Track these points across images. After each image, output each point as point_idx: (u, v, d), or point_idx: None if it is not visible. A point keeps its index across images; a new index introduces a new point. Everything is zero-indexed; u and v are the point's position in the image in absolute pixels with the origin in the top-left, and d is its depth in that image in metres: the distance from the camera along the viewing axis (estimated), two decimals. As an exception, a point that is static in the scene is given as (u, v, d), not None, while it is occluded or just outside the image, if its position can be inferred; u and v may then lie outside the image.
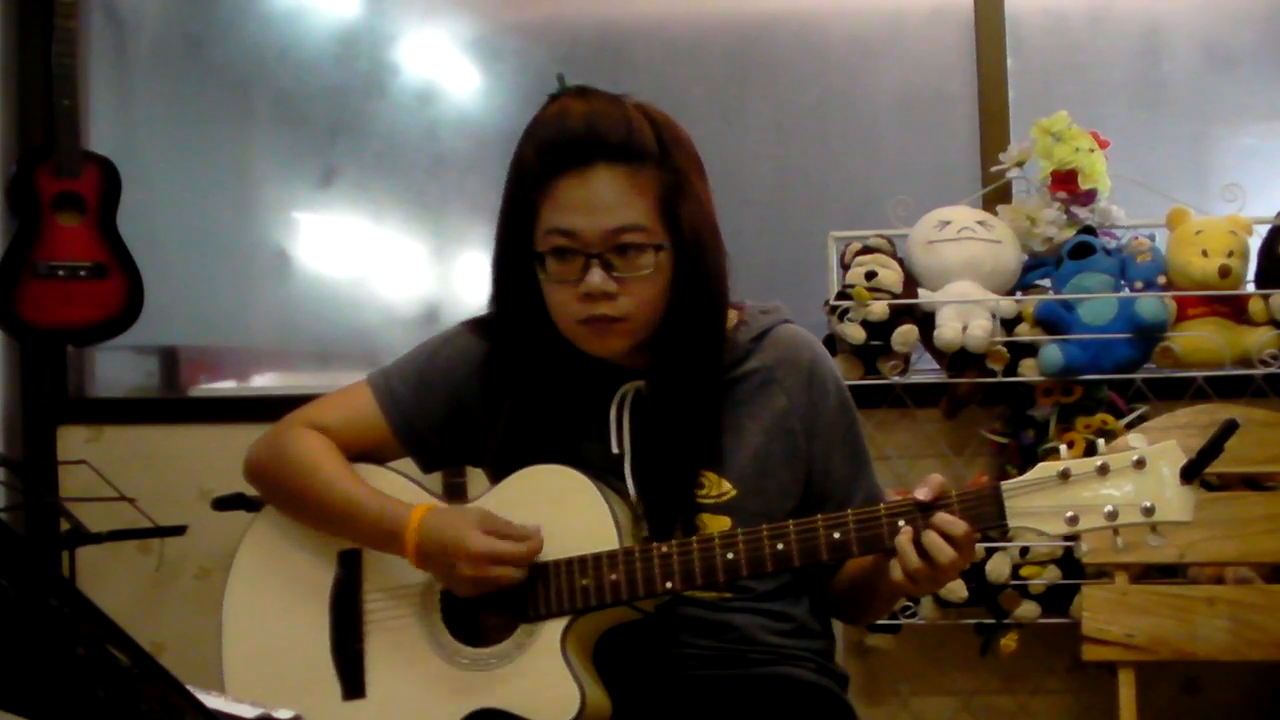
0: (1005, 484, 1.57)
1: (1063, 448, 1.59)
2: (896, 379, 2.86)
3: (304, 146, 3.49)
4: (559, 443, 1.73)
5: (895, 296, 2.81)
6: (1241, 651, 2.44)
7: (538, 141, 1.65)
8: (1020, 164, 2.93)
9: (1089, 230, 2.86)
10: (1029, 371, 2.83)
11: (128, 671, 0.96)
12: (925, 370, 2.97)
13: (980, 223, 2.88)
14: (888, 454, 2.97)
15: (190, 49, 3.49)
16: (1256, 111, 3.28)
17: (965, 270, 2.84)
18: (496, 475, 1.76)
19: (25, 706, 0.98)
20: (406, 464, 1.84)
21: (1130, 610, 2.44)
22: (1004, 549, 2.79)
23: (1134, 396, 2.83)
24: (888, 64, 3.33)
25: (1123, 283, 2.82)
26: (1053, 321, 2.80)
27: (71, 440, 3.28)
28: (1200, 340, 2.77)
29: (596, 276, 1.63)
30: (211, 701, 1.02)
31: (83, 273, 3.14)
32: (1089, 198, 2.86)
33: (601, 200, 1.62)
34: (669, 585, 1.63)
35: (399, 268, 3.47)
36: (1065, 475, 1.55)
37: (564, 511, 1.67)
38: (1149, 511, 1.53)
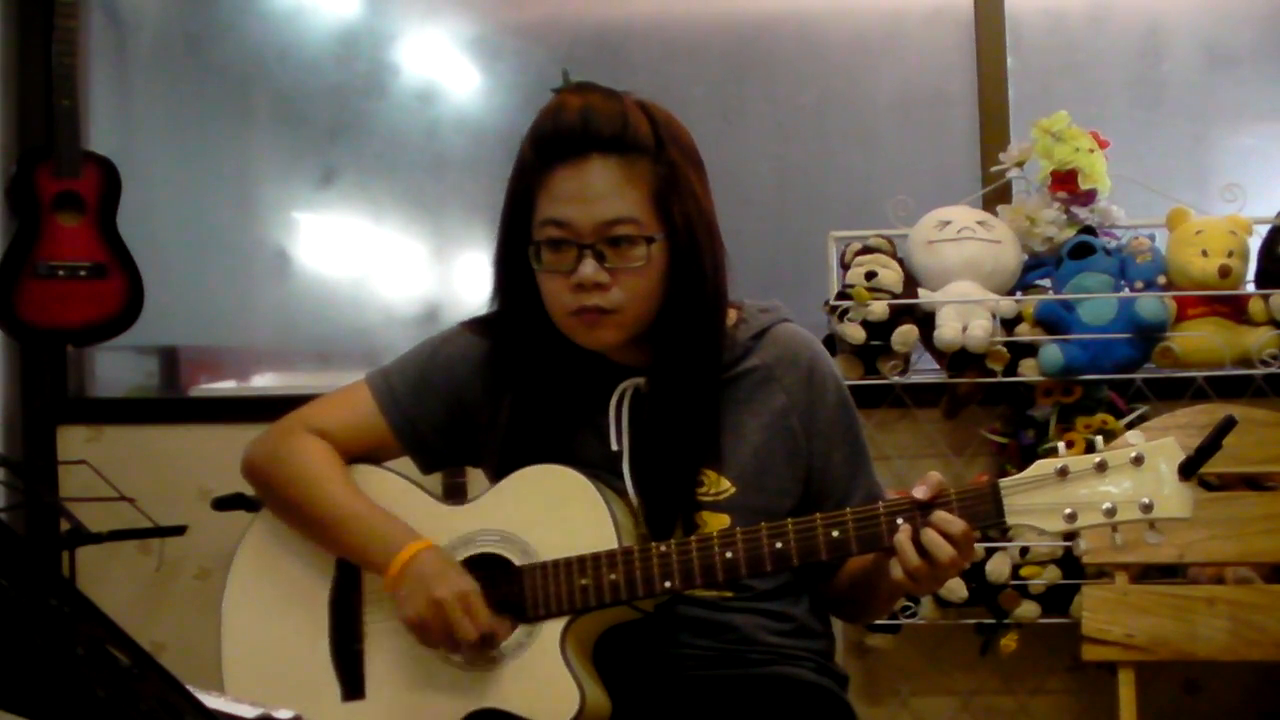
0: (1003, 482, 1.58)
1: (1061, 446, 1.59)
2: (896, 379, 2.86)
3: (304, 146, 3.49)
4: (558, 439, 1.73)
5: (895, 296, 2.81)
6: (1241, 651, 2.44)
7: (535, 134, 1.67)
8: (1020, 164, 2.93)
9: (1089, 230, 2.86)
10: (1029, 371, 2.83)
11: (128, 671, 0.96)
12: (925, 370, 2.97)
13: (980, 223, 2.89)
14: (888, 454, 2.97)
15: (190, 49, 3.49)
16: (1256, 111, 3.28)
17: (965, 270, 2.84)
18: (496, 475, 1.76)
19: (25, 706, 0.98)
20: (406, 464, 1.84)
21: (1130, 610, 2.44)
22: (1004, 549, 2.79)
23: (1134, 396, 2.83)
24: (887, 64, 3.33)
25: (1123, 283, 2.82)
26: (1053, 321, 2.80)
27: (71, 440, 3.28)
28: (1200, 340, 2.77)
29: (589, 267, 1.63)
30: (211, 701, 1.02)
31: (83, 273, 3.14)
32: (1089, 198, 2.86)
33: (594, 191, 1.63)
34: (668, 585, 1.63)
35: (399, 268, 3.47)
36: (1063, 472, 1.55)
37: (563, 511, 1.67)
38: (1147, 508, 1.53)
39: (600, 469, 1.71)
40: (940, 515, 1.57)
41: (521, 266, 1.69)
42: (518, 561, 1.68)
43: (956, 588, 2.79)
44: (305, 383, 3.32)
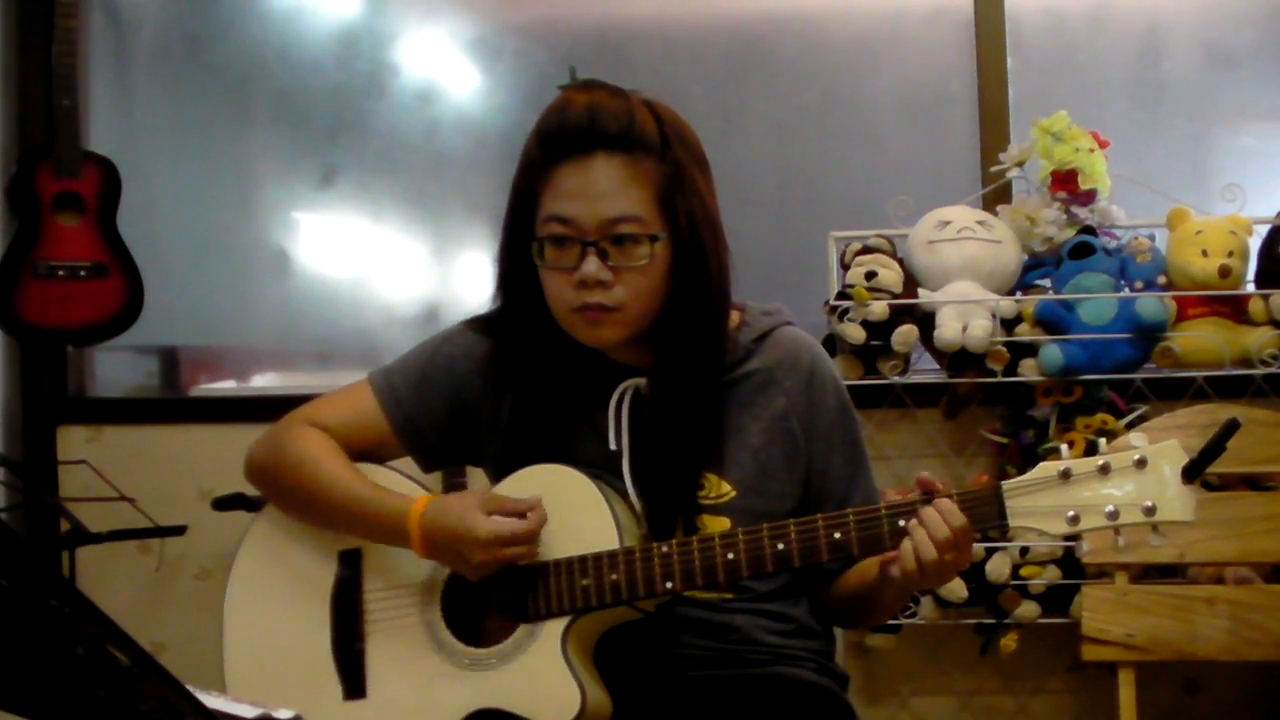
0: (1006, 484, 1.57)
1: (1063, 447, 1.59)
2: (896, 379, 2.86)
3: (304, 146, 3.49)
4: (558, 437, 1.73)
5: (895, 296, 2.81)
6: (1241, 651, 2.44)
7: (541, 130, 1.67)
8: (1020, 164, 2.93)
9: (1089, 230, 2.86)
10: (1029, 371, 2.83)
11: (128, 671, 0.96)
12: (925, 370, 2.97)
13: (980, 223, 2.88)
14: (888, 454, 2.97)
15: (190, 49, 3.49)
16: (1256, 111, 3.28)
17: (965, 270, 2.84)
18: (497, 474, 1.76)
19: (25, 706, 0.98)
20: (407, 464, 1.84)
21: (1130, 610, 2.44)
22: (1004, 549, 2.79)
23: (1134, 396, 2.83)
24: (888, 64, 3.33)
25: (1123, 283, 2.82)
26: (1053, 321, 2.80)
27: (71, 440, 3.28)
28: (1200, 340, 2.77)
29: (591, 265, 1.63)
30: (211, 701, 1.02)
31: (83, 273, 3.13)
32: (1089, 198, 2.86)
33: (599, 189, 1.63)
34: (669, 585, 1.63)
35: (399, 268, 3.47)
36: (1066, 475, 1.55)
37: (564, 511, 1.67)
38: (1150, 511, 1.53)
39: (599, 468, 1.71)
40: (944, 502, 1.56)
41: (524, 263, 1.69)
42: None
43: (956, 588, 2.79)
44: (305, 383, 3.32)
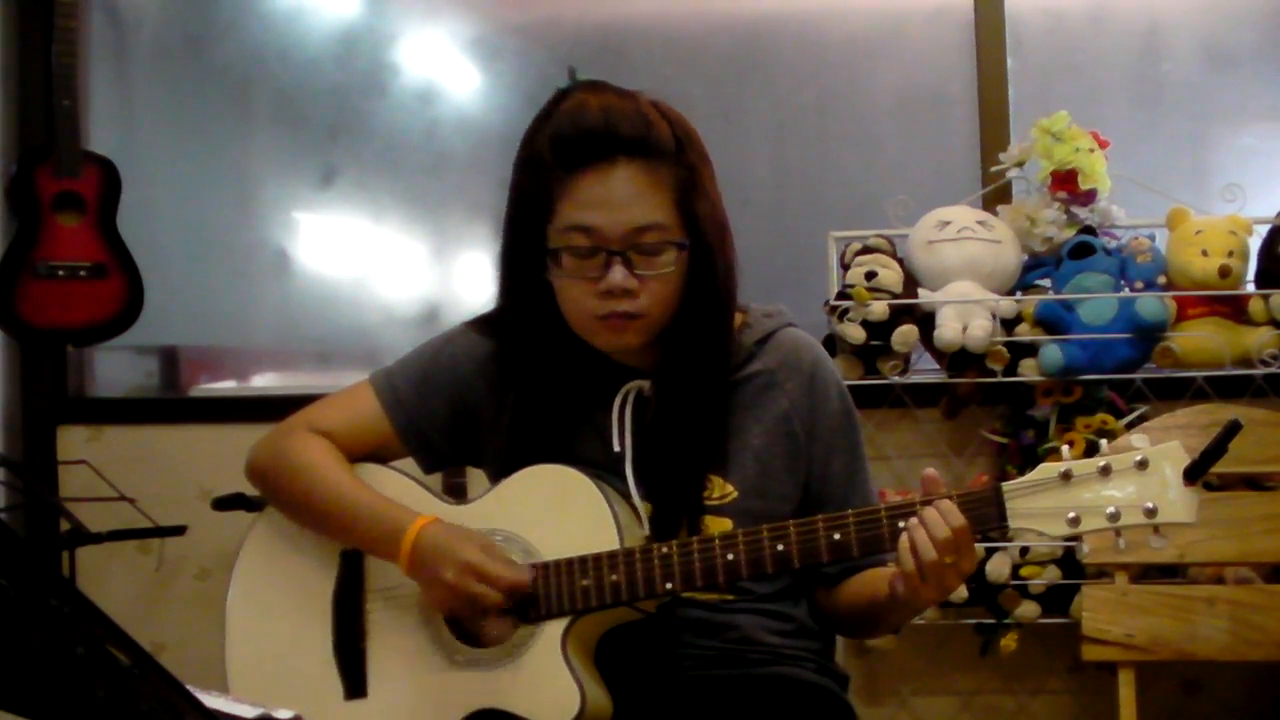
0: (1006, 485, 1.57)
1: (1064, 448, 1.58)
2: (896, 379, 2.86)
3: (304, 146, 3.48)
4: (559, 438, 1.73)
5: (895, 296, 2.81)
6: (1241, 651, 2.44)
7: (553, 135, 1.64)
8: (1020, 164, 2.93)
9: (1089, 230, 2.86)
10: (1029, 371, 2.83)
11: (128, 671, 0.96)
12: (925, 370, 2.97)
13: (980, 223, 2.88)
14: (888, 454, 2.97)
15: (190, 49, 3.49)
16: (1256, 111, 3.28)
17: (965, 270, 2.83)
18: (498, 474, 1.76)
19: (25, 706, 0.98)
20: (408, 464, 1.84)
21: (1130, 610, 2.44)
22: (1004, 549, 2.79)
23: (1134, 396, 2.83)
24: (887, 64, 3.33)
25: (1123, 283, 2.82)
26: (1053, 321, 2.80)
27: (71, 440, 3.28)
28: (1200, 340, 2.77)
29: (619, 274, 1.62)
30: (211, 701, 1.02)
31: (83, 273, 3.13)
32: (1089, 198, 2.86)
33: (622, 197, 1.61)
34: (669, 586, 1.63)
35: (399, 268, 3.47)
36: (1067, 476, 1.54)
37: (565, 511, 1.67)
38: (1151, 513, 1.52)
39: (601, 469, 1.71)
40: (944, 503, 1.55)
41: (529, 267, 1.68)
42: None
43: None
44: (305, 383, 3.33)
